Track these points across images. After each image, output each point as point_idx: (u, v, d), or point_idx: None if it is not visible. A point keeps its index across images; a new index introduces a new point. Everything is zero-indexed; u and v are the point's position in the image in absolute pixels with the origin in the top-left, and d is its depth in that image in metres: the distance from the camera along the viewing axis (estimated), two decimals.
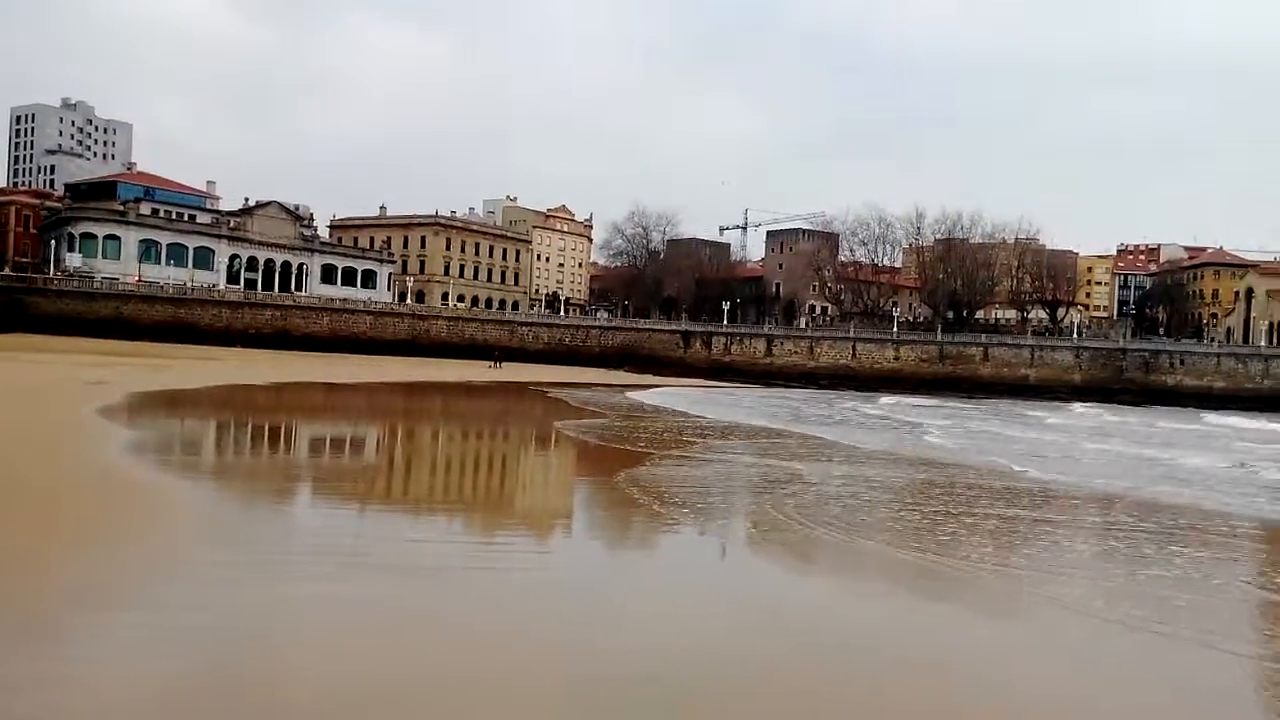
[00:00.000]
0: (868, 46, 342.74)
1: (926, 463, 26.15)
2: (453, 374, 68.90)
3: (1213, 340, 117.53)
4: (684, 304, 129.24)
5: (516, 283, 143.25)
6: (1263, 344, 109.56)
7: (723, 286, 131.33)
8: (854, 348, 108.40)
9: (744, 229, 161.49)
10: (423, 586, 10.55)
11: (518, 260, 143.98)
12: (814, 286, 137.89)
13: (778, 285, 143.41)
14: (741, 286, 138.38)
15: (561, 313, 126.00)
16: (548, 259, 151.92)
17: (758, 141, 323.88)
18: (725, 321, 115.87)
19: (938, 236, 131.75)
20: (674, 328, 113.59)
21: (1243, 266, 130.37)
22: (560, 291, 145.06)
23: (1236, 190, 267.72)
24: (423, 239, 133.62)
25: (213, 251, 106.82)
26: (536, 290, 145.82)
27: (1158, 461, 29.25)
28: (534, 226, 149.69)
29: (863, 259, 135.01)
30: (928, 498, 19.01)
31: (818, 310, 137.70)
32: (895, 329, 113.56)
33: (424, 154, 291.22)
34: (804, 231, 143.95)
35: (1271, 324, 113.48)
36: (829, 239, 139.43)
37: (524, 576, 11.49)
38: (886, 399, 70.40)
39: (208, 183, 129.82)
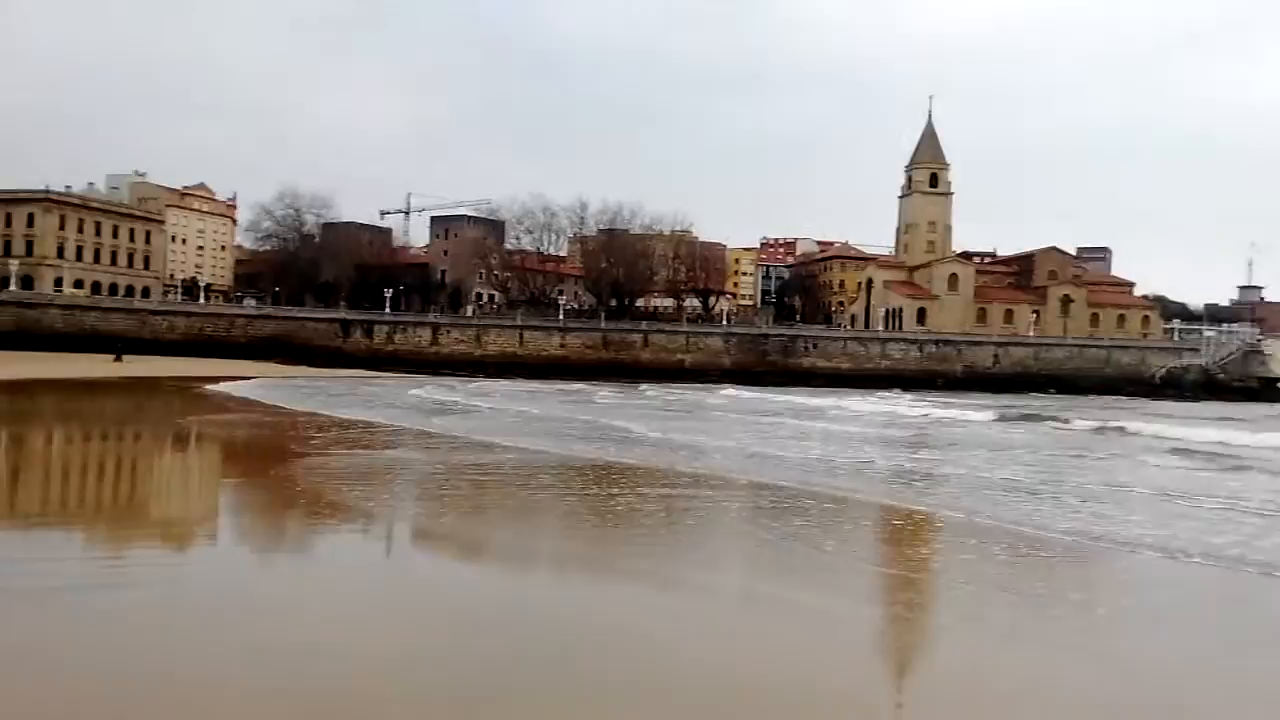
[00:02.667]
0: (527, 37, 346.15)
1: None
2: (70, 369, 60.06)
3: (840, 326, 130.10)
4: (343, 291, 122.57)
5: (147, 267, 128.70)
6: (881, 329, 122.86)
7: (385, 273, 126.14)
8: (521, 335, 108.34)
9: (406, 214, 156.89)
10: (28, 614, 8.78)
11: (148, 242, 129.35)
12: (481, 274, 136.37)
13: (443, 272, 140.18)
14: (405, 273, 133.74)
15: (202, 300, 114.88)
16: (185, 241, 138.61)
17: (420, 125, 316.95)
18: (388, 309, 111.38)
19: (600, 227, 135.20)
20: (332, 316, 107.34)
21: (865, 259, 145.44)
22: (200, 277, 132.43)
23: (862, 188, 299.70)
24: (30, 217, 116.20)
25: None
26: (172, 275, 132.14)
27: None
28: (168, 205, 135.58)
29: (529, 247, 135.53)
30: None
31: (485, 298, 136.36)
32: (561, 317, 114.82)
33: (35, 124, 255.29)
34: (469, 218, 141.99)
35: (888, 311, 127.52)
36: (495, 227, 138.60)
37: (151, 592, 9.87)
38: (487, 384, 72.41)
39: None
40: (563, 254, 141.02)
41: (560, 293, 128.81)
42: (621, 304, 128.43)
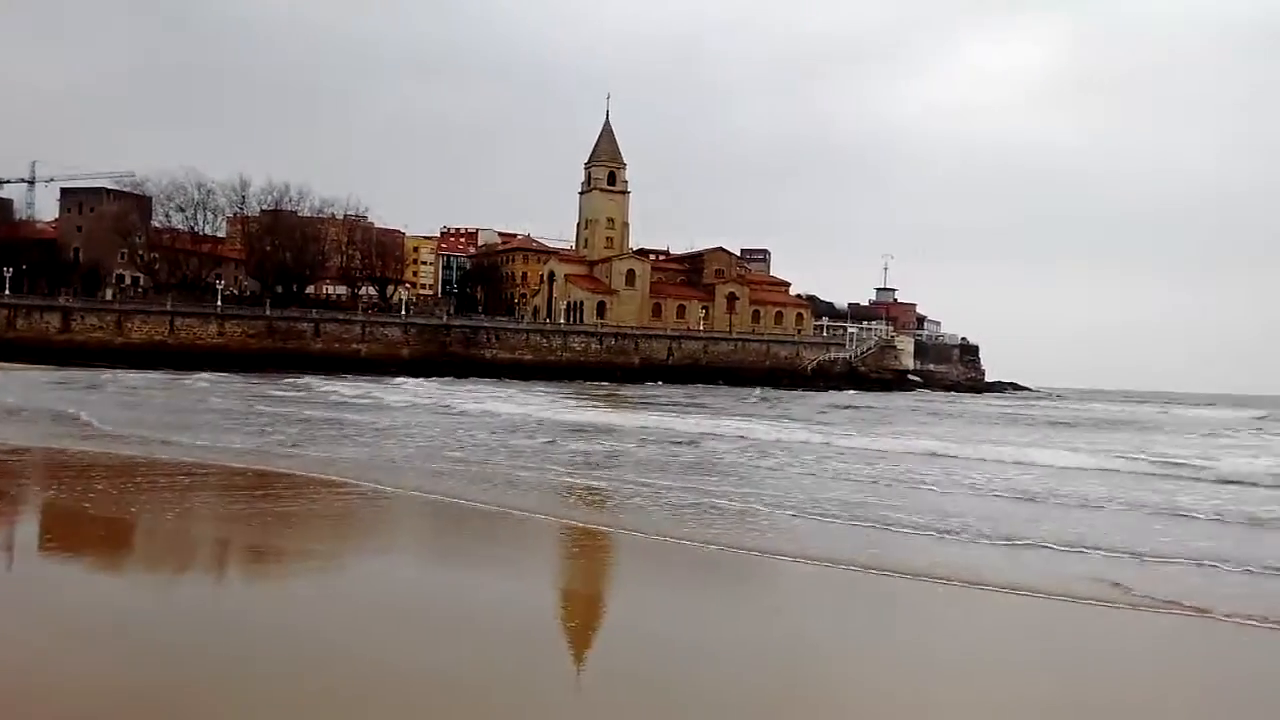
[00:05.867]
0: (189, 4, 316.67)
1: None
2: None
3: (523, 318, 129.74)
4: None
5: None
6: (563, 322, 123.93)
7: (3, 249, 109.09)
8: (172, 322, 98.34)
9: (31, 184, 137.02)
10: None
11: None
12: (123, 254, 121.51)
13: (77, 250, 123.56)
14: (28, 250, 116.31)
15: None
16: None
17: (49, 88, 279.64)
18: (7, 290, 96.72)
19: (264, 207, 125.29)
20: None
21: (547, 253, 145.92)
22: None
23: (548, 182, 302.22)
24: None
25: None
26: None
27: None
28: None
29: (180, 226, 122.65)
30: None
31: (128, 280, 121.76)
32: (219, 303, 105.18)
33: None
34: (109, 192, 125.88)
35: (569, 304, 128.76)
36: (140, 202, 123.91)
37: None
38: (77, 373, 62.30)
39: None
40: (221, 235, 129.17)
41: (218, 277, 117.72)
42: (290, 291, 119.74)
